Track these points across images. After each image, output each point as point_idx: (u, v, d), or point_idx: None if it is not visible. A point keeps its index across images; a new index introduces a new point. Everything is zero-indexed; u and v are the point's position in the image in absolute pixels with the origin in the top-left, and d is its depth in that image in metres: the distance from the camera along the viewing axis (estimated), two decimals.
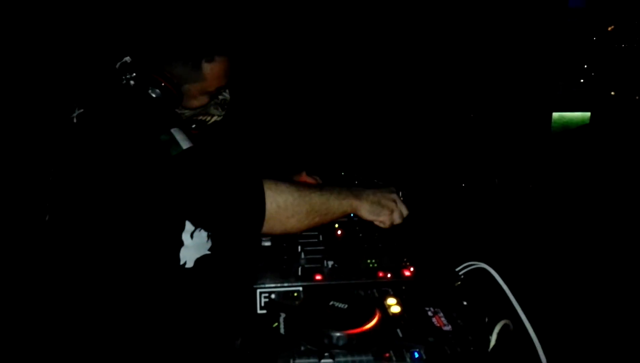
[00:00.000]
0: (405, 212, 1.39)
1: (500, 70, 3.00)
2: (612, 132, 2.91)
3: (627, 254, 1.43)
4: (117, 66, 1.41)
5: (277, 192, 1.23)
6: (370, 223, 1.61)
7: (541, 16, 2.99)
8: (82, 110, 1.35)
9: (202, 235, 1.45)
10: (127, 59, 1.41)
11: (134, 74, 1.37)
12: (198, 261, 1.49)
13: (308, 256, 1.35)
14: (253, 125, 2.82)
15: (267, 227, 1.23)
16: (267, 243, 1.48)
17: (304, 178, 1.95)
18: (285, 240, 1.47)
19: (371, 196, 1.36)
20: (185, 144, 1.21)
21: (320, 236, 1.50)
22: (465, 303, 1.15)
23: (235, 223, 1.25)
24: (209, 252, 1.53)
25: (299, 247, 1.38)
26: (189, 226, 1.39)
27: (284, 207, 1.23)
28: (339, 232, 1.55)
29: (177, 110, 1.46)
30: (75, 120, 1.34)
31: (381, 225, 1.36)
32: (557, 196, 3.10)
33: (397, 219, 1.37)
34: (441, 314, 1.12)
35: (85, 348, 1.29)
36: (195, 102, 1.48)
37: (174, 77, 1.41)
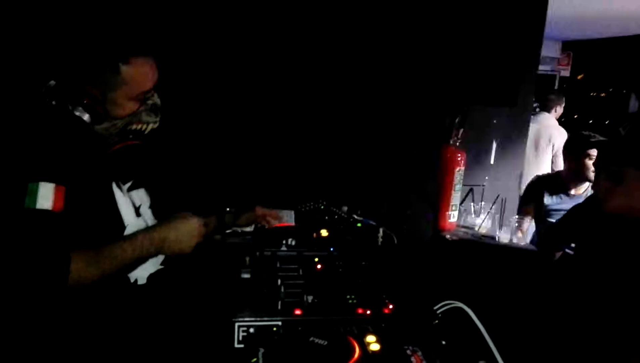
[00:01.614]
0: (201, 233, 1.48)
1: (473, 110, 3.09)
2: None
3: (611, 294, 1.46)
4: (42, 91, 1.39)
5: (80, 271, 1.21)
6: (351, 258, 1.63)
7: (515, 66, 3.12)
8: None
9: None
10: (52, 82, 1.40)
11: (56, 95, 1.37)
12: (152, 277, 1.49)
13: (288, 290, 1.34)
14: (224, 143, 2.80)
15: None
16: (247, 275, 1.47)
17: (258, 211, 1.95)
18: (265, 273, 1.46)
19: (171, 237, 1.42)
20: (43, 203, 1.19)
21: (300, 270, 1.50)
22: (443, 342, 1.16)
23: (30, 295, 1.21)
24: (162, 267, 1.53)
25: (279, 280, 1.37)
26: None
27: (87, 277, 1.23)
28: (319, 266, 1.56)
29: (107, 122, 1.44)
30: None
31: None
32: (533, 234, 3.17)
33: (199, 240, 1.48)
34: (420, 353, 1.12)
35: None
36: (123, 111, 1.45)
37: (97, 89, 1.39)
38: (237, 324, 1.19)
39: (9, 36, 2.17)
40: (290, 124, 2.82)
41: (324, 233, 1.91)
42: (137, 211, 1.50)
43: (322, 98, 2.84)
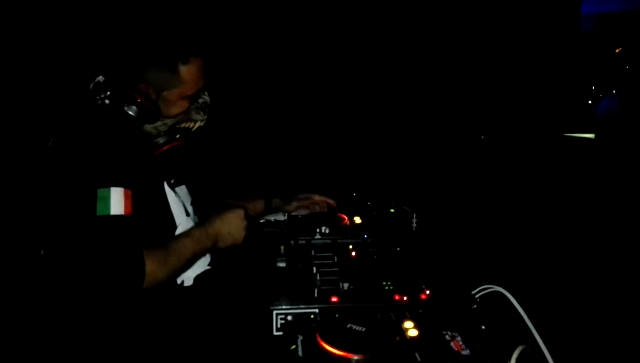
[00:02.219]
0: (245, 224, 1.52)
1: (511, 91, 3.02)
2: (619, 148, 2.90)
3: None
4: (90, 87, 1.39)
5: (154, 273, 1.22)
6: (385, 244, 1.62)
7: (552, 38, 3.02)
8: (55, 138, 1.32)
9: None
10: (100, 78, 1.39)
11: (108, 93, 1.35)
12: (198, 278, 1.50)
13: (323, 278, 1.35)
14: (258, 138, 2.83)
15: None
16: (282, 264, 1.48)
17: (317, 198, 1.95)
18: (301, 261, 1.47)
19: (224, 231, 1.45)
20: (115, 209, 1.19)
21: (335, 258, 1.50)
22: (483, 327, 1.15)
23: (111, 302, 1.23)
24: (209, 267, 1.54)
25: (314, 268, 1.38)
26: None
27: (160, 278, 1.26)
28: (353, 253, 1.55)
29: (158, 120, 1.44)
30: (49, 148, 1.32)
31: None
32: (572, 218, 3.08)
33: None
34: (459, 338, 1.11)
35: None
36: (176, 109, 1.45)
37: (150, 87, 1.38)
38: (275, 312, 1.20)
39: (63, 31, 2.22)
40: (321, 117, 2.82)
41: (357, 220, 1.90)
42: (186, 210, 1.51)
43: (351, 97, 2.83)
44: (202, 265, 1.50)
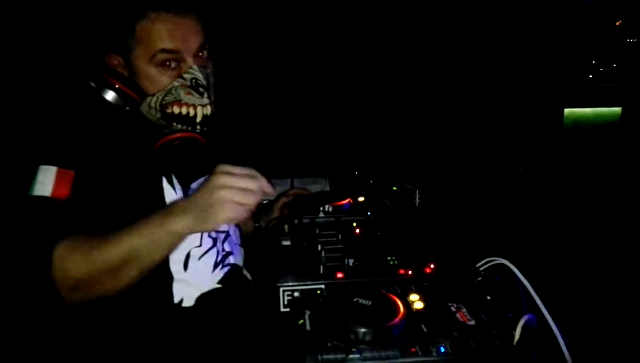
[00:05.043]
0: (256, 181, 1.05)
1: (509, 66, 3.00)
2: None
3: None
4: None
5: (63, 259, 1.02)
6: (389, 221, 1.63)
7: (550, 12, 2.99)
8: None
9: (204, 263, 1.30)
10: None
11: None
12: (202, 298, 1.28)
13: (328, 255, 1.36)
14: (259, 120, 2.82)
15: (80, 295, 1.05)
16: (287, 242, 1.49)
17: (291, 193, 1.85)
18: (305, 239, 1.48)
19: (196, 202, 1.04)
20: (42, 190, 1.07)
21: (340, 235, 1.51)
22: (488, 298, 1.16)
23: (22, 292, 1.13)
24: (218, 285, 1.33)
25: (319, 246, 1.39)
26: (177, 255, 1.21)
27: (74, 267, 1.02)
28: (357, 230, 1.56)
29: (144, 102, 1.29)
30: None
31: (243, 216, 1.05)
32: (575, 190, 3.08)
33: (251, 199, 1.03)
34: (464, 309, 1.12)
35: None
36: (149, 82, 1.26)
37: (120, 58, 1.28)
38: (281, 289, 1.21)
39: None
40: (322, 97, 2.81)
41: (360, 198, 1.91)
42: None
43: (352, 75, 2.81)
44: (209, 282, 1.30)
